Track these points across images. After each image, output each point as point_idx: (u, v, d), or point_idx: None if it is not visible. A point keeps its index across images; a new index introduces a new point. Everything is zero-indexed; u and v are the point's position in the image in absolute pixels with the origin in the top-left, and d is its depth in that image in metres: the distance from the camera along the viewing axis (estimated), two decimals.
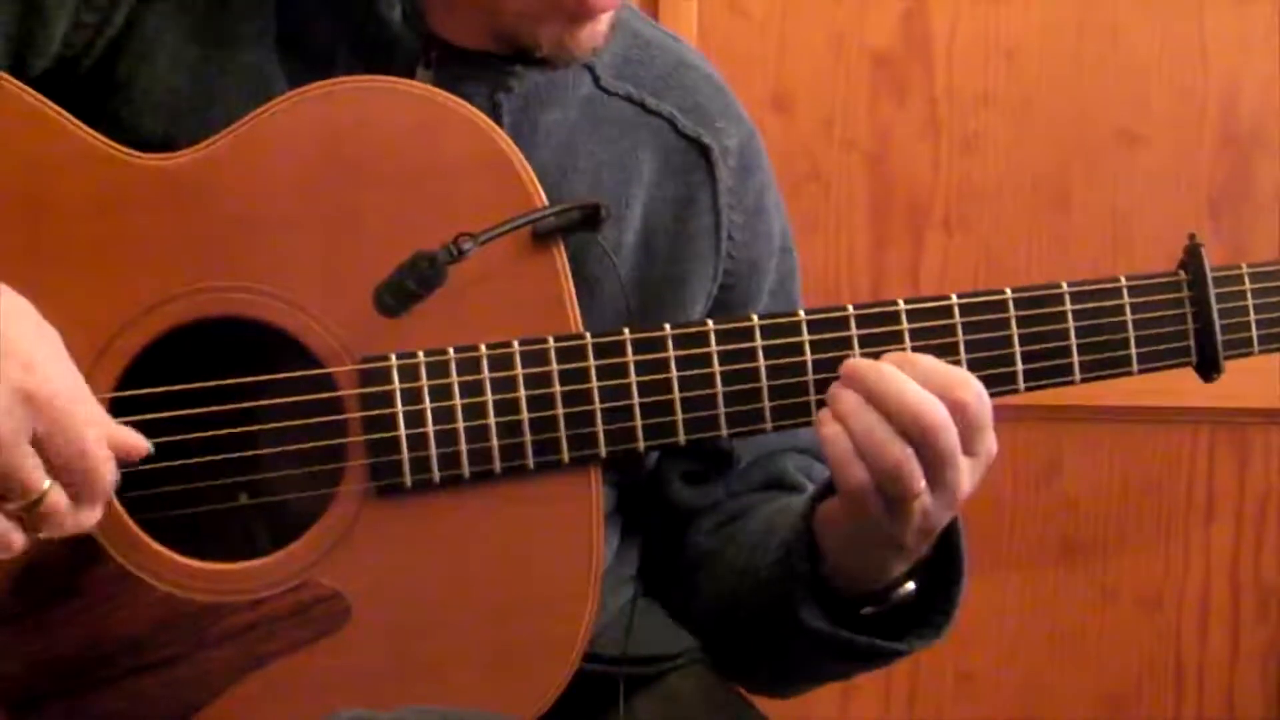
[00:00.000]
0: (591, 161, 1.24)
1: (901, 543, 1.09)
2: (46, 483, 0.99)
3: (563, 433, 1.11)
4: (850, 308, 1.13)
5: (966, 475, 1.06)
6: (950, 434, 1.04)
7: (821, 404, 1.11)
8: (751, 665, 1.28)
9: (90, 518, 1.03)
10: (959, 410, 1.05)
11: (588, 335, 1.12)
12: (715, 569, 1.29)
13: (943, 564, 1.16)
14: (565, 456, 1.12)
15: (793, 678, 1.29)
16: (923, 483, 1.05)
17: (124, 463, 1.04)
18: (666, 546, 1.34)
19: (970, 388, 1.06)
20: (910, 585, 1.16)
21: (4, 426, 0.96)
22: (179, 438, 1.09)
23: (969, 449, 1.06)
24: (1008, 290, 1.13)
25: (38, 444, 0.98)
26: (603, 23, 1.18)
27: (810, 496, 1.17)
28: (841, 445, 1.06)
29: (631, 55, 1.29)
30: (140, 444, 1.04)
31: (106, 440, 1.02)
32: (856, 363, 1.09)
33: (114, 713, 1.10)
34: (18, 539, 1.00)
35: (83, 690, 1.10)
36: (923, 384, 1.06)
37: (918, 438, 1.04)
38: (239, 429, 1.10)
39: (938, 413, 1.04)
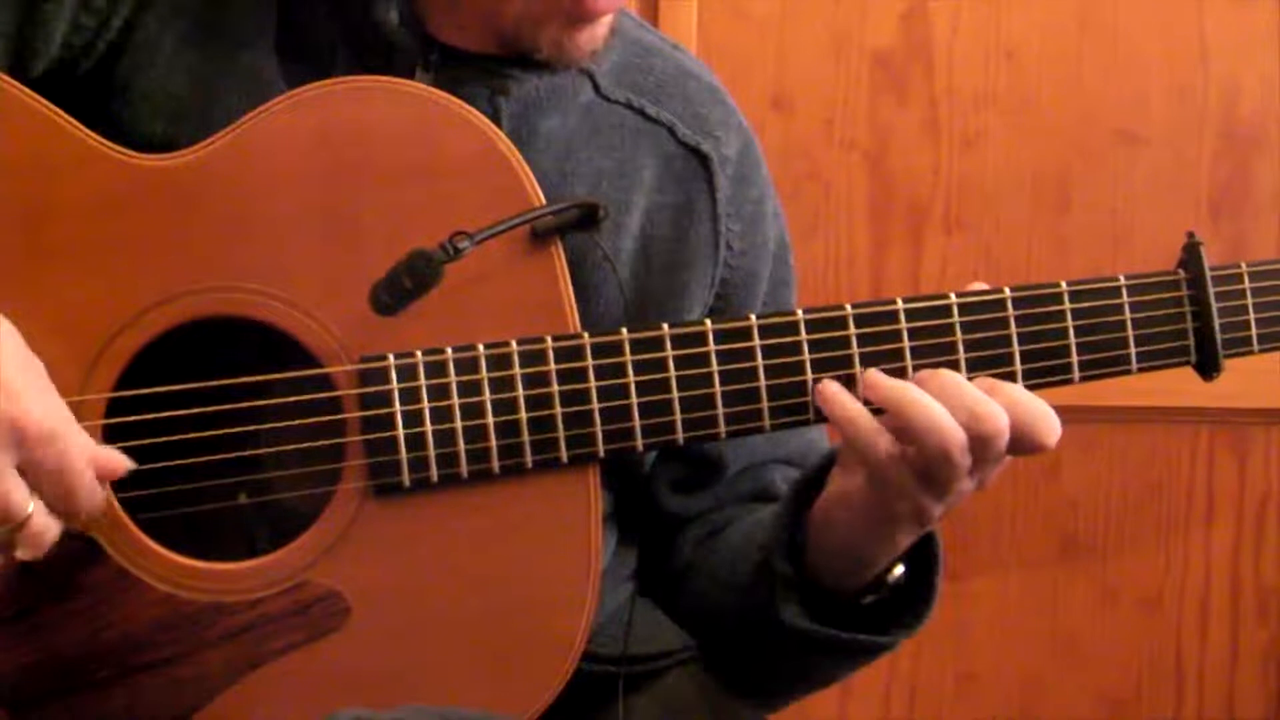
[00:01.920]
0: (590, 168, 1.24)
1: (928, 520, 1.12)
2: (31, 506, 1.00)
3: (561, 432, 1.11)
4: (848, 307, 1.13)
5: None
6: (1004, 439, 1.08)
7: None
8: (741, 674, 1.29)
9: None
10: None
11: (586, 335, 1.12)
12: (696, 581, 1.30)
13: (916, 556, 1.17)
14: (564, 456, 1.12)
15: (781, 682, 1.29)
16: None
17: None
18: (655, 554, 1.34)
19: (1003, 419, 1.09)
20: (900, 569, 1.17)
21: None
22: (178, 437, 1.09)
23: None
24: (1006, 289, 1.13)
25: (22, 470, 1.00)
26: (602, 26, 1.19)
27: (790, 498, 1.18)
28: (918, 417, 1.07)
29: (632, 62, 1.29)
30: (120, 464, 1.05)
31: (90, 462, 1.02)
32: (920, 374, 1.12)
33: (114, 712, 1.10)
34: None
35: (82, 690, 1.10)
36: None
37: (976, 432, 1.07)
38: (238, 429, 1.10)
39: (999, 418, 1.07)
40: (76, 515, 1.03)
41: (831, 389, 1.11)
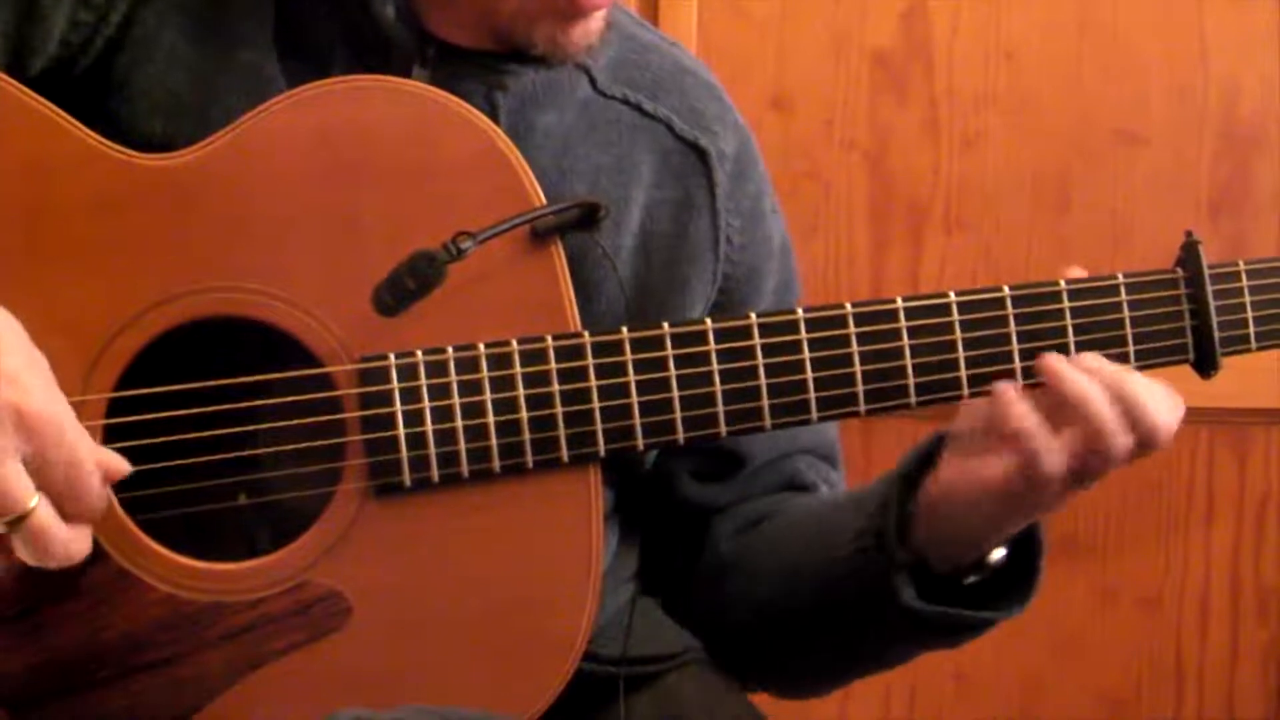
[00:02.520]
0: (589, 164, 1.24)
1: (1040, 513, 1.13)
2: (34, 499, 0.98)
3: (561, 432, 1.11)
4: (848, 306, 1.13)
5: None
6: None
7: (822, 401, 1.12)
8: (803, 663, 1.28)
9: (81, 546, 1.02)
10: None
11: (586, 334, 1.12)
12: (750, 572, 1.28)
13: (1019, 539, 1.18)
14: (564, 455, 1.12)
15: (855, 666, 1.29)
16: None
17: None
18: (679, 547, 1.33)
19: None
20: (1002, 551, 1.16)
21: None
22: (178, 437, 1.09)
23: None
24: (1005, 288, 1.14)
25: (27, 462, 0.98)
26: (596, 20, 1.19)
27: (898, 481, 1.17)
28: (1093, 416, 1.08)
29: (628, 58, 1.29)
30: (120, 466, 1.03)
31: (96, 461, 1.01)
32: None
33: (114, 712, 1.10)
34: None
35: (83, 690, 1.10)
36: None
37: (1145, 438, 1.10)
38: (238, 429, 1.10)
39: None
40: (83, 514, 1.01)
41: (1013, 402, 1.10)
